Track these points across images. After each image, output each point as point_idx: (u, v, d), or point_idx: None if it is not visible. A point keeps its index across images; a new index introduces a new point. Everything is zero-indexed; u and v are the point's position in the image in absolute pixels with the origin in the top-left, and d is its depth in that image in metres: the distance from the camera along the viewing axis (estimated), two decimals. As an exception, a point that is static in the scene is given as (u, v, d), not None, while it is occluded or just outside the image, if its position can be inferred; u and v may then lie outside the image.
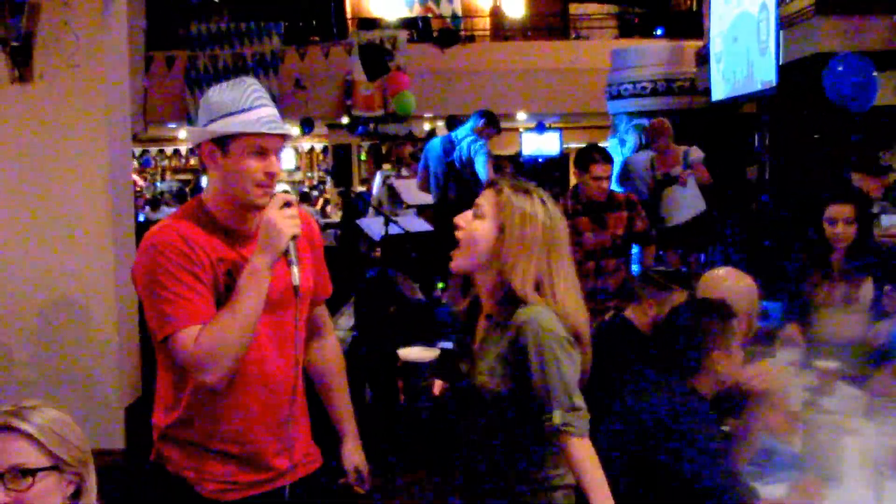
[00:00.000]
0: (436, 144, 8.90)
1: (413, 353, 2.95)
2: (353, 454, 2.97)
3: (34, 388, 5.63)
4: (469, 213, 2.66)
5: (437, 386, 2.87)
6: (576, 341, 2.57)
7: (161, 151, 22.70)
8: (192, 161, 22.44)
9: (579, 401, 2.50)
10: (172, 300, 2.49)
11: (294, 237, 2.52)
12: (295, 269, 2.53)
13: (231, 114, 2.55)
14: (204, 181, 14.50)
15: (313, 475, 2.82)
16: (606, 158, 5.80)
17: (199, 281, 2.51)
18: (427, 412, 2.90)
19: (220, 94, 2.59)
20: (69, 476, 2.06)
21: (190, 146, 21.57)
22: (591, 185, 5.75)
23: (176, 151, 22.76)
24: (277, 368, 2.63)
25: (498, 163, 9.56)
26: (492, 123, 8.66)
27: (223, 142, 2.55)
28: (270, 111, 2.57)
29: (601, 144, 7.90)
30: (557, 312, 2.56)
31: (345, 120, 18.90)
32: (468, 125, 8.72)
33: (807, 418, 3.42)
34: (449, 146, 8.69)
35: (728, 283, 3.58)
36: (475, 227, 2.62)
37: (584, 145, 6.55)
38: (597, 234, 5.77)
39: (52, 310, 6.02)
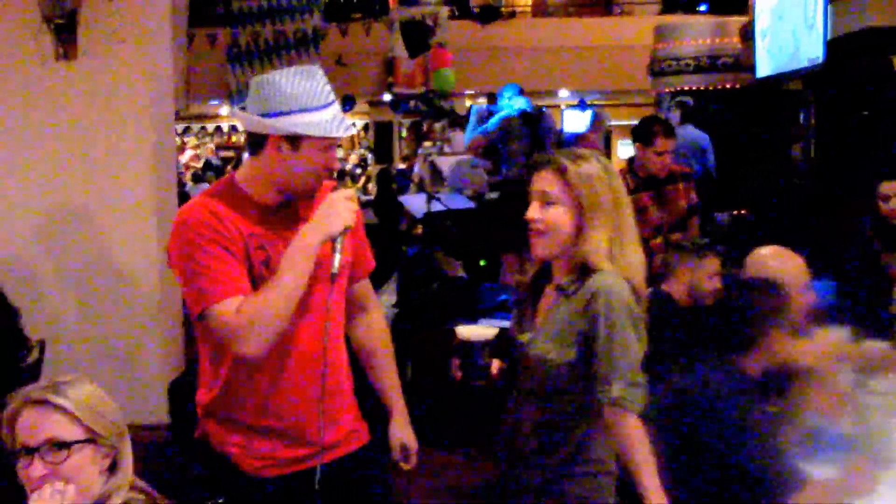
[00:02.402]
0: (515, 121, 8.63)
1: (471, 331, 2.92)
2: (401, 431, 2.95)
3: (79, 364, 5.67)
4: (536, 205, 2.61)
5: (496, 366, 2.84)
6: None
7: (203, 128, 22.80)
8: (234, 138, 22.52)
9: (641, 378, 2.49)
10: (207, 274, 2.51)
11: (347, 228, 2.54)
12: (337, 257, 2.54)
13: (306, 110, 2.53)
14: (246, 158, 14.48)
15: (357, 452, 2.81)
16: (669, 132, 5.62)
17: (231, 255, 2.53)
18: (480, 390, 2.88)
19: (291, 86, 2.55)
20: (104, 449, 2.09)
21: (239, 126, 21.69)
22: (652, 160, 5.55)
23: (218, 128, 22.85)
24: (315, 345, 2.62)
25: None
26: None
27: (296, 139, 2.55)
28: (338, 106, 2.60)
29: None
30: (627, 275, 2.53)
31: (386, 97, 18.87)
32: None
33: (857, 399, 3.36)
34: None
35: (778, 262, 3.52)
36: (551, 215, 2.58)
37: (626, 122, 6.43)
38: (660, 209, 5.60)
39: (97, 287, 6.08)
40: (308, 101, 2.54)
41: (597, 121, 8.86)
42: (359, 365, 2.96)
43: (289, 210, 2.65)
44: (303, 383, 2.64)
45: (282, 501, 2.65)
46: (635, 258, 2.60)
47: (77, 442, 2.05)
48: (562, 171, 2.57)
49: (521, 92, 8.66)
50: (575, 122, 19.98)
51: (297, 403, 2.64)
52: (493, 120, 8.53)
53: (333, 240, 2.53)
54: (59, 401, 2.05)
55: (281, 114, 2.53)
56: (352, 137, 23.81)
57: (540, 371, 2.62)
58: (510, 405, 2.74)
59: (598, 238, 2.54)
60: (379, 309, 3.03)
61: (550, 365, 2.59)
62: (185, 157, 19.62)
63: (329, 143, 2.57)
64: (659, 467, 2.51)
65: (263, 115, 2.55)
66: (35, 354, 4.84)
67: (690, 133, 9.81)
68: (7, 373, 4.50)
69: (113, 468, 2.12)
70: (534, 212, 2.61)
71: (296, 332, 2.60)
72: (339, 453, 2.74)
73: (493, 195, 9.11)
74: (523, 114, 8.35)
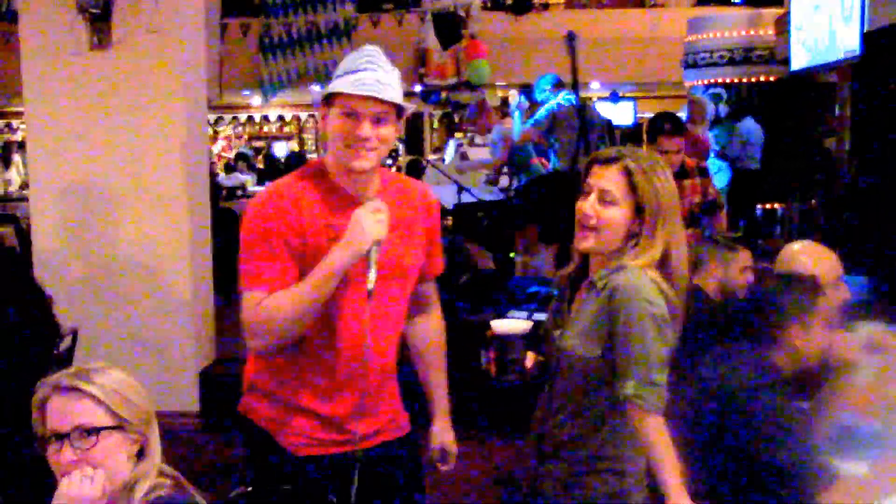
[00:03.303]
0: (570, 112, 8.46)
1: (506, 325, 2.91)
2: (443, 433, 2.96)
3: (111, 353, 5.72)
4: (594, 200, 2.57)
5: (530, 359, 2.84)
6: (676, 308, 2.53)
7: (235, 118, 22.88)
8: (266, 128, 22.58)
9: (659, 377, 2.45)
10: (256, 259, 2.55)
11: (378, 241, 2.52)
12: (371, 274, 2.54)
13: (339, 76, 2.56)
14: (276, 149, 14.62)
15: (395, 441, 2.82)
16: (677, 129, 5.57)
17: (288, 249, 2.55)
18: (513, 384, 2.87)
19: (342, 61, 2.60)
20: (133, 435, 2.11)
21: (271, 116, 21.75)
22: (674, 155, 5.52)
23: (250, 118, 22.92)
24: (363, 339, 2.62)
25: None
26: (562, 87, 8.37)
27: (329, 101, 2.58)
28: (376, 75, 2.54)
29: (678, 115, 7.73)
30: (669, 276, 2.52)
31: (417, 88, 18.85)
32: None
33: (889, 395, 3.32)
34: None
35: (809, 257, 3.49)
36: (610, 214, 2.55)
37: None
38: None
39: (128, 276, 6.12)
40: (343, 69, 2.57)
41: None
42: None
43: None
44: (352, 375, 2.66)
45: (316, 481, 2.66)
46: (681, 260, 2.58)
47: (105, 428, 2.07)
48: (628, 173, 2.54)
49: (559, 83, 8.53)
50: (607, 114, 19.92)
51: (340, 392, 2.66)
52: (543, 112, 8.40)
53: (366, 256, 2.52)
54: (88, 388, 2.08)
55: (331, 82, 2.59)
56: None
57: (569, 366, 2.61)
58: (542, 398, 2.74)
59: (661, 240, 2.53)
60: (438, 310, 3.02)
61: (578, 360, 2.58)
62: (217, 147, 19.70)
63: (351, 109, 2.53)
64: (686, 461, 2.50)
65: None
66: (67, 342, 4.88)
67: (747, 125, 9.73)
68: (40, 360, 4.53)
69: (141, 454, 2.14)
70: (590, 207, 2.57)
71: (352, 326, 2.61)
72: (376, 441, 2.76)
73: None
74: (579, 105, 8.18)
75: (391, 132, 2.60)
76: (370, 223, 2.50)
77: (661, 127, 5.53)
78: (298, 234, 2.56)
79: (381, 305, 2.64)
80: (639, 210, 2.54)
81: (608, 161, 2.59)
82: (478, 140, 10.88)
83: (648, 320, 2.45)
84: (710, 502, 2.52)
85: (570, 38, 7.66)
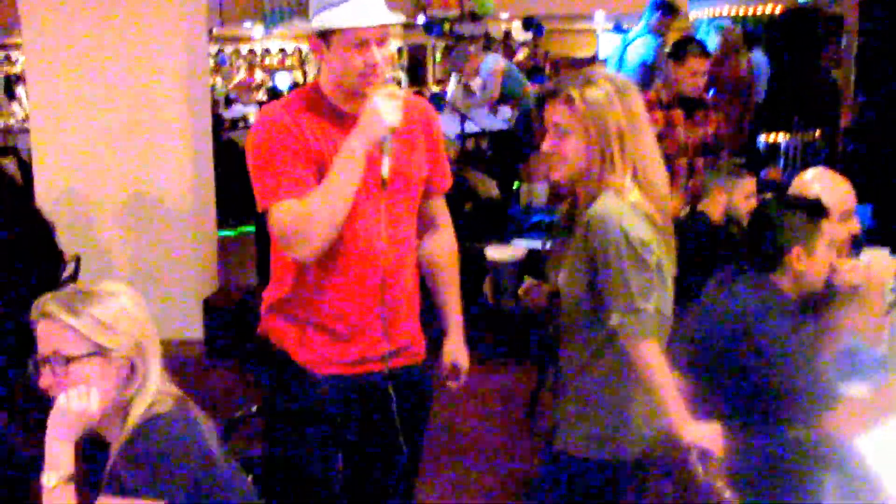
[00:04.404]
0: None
1: (500, 252, 2.89)
2: (455, 351, 2.94)
3: (115, 282, 5.73)
4: (549, 136, 2.56)
5: (524, 287, 2.83)
6: (661, 228, 2.50)
7: (237, 51, 22.70)
8: (267, 61, 22.41)
9: (643, 302, 2.42)
10: (273, 174, 2.54)
11: (393, 129, 2.50)
12: (386, 160, 2.53)
13: (332, 5, 2.52)
14: (278, 81, 14.46)
15: (411, 367, 2.82)
16: (705, 53, 5.45)
17: (301, 159, 2.54)
18: (510, 310, 2.87)
19: None
20: (119, 362, 2.10)
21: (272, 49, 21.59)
22: (685, 80, 5.37)
23: (251, 51, 22.74)
24: (382, 253, 2.63)
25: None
26: (670, 11, 7.92)
27: (326, 36, 2.54)
28: (374, 0, 2.53)
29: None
30: (647, 194, 2.49)
31: (420, 19, 18.67)
32: (642, 24, 8.09)
33: (894, 320, 3.33)
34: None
35: (821, 183, 3.46)
36: (566, 146, 2.52)
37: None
38: (689, 129, 5.42)
39: (131, 205, 6.12)
40: None
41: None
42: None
43: None
44: (369, 291, 2.65)
45: (334, 400, 2.68)
46: (657, 179, 2.54)
47: (83, 356, 2.09)
48: (568, 101, 2.51)
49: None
50: (611, 47, 19.73)
51: (358, 309, 2.66)
52: (650, 49, 7.88)
53: (380, 143, 2.51)
54: (65, 317, 2.09)
55: (316, 14, 2.55)
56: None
57: (564, 302, 2.61)
58: (550, 335, 2.73)
59: (621, 163, 2.48)
60: (450, 228, 2.99)
61: (569, 295, 2.58)
62: (241, 75, 19.42)
63: (359, 39, 2.51)
64: (691, 385, 2.50)
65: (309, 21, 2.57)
66: (71, 269, 4.90)
67: (753, 58, 9.58)
68: (43, 286, 4.54)
69: (131, 378, 2.14)
70: (546, 144, 2.57)
71: (367, 240, 2.61)
72: (396, 364, 2.75)
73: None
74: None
75: (392, 47, 2.59)
76: (385, 109, 2.48)
77: (691, 48, 5.39)
78: (304, 149, 2.56)
79: (390, 216, 2.63)
80: (591, 135, 2.49)
81: (553, 94, 2.56)
82: (471, 85, 10.73)
83: (625, 246, 2.42)
84: (712, 419, 2.52)
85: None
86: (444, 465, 4.51)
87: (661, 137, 5.17)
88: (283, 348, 2.71)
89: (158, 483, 2.02)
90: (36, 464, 2.11)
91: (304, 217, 2.49)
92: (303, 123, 2.58)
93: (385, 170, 2.53)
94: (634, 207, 2.47)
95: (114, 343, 2.10)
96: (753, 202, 4.00)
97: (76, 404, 2.07)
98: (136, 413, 2.09)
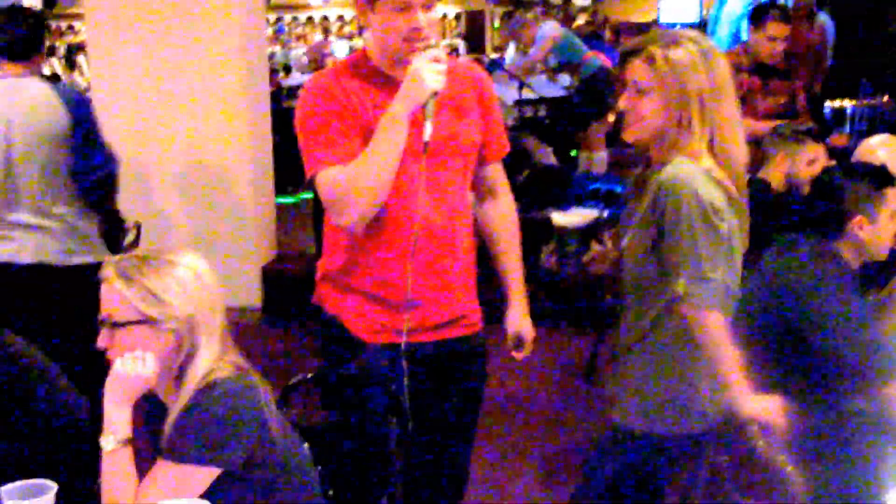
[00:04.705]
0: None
1: (566, 217, 2.84)
2: (518, 320, 2.92)
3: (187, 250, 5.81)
4: (627, 94, 2.50)
5: (588, 254, 2.79)
6: (734, 197, 2.44)
7: (295, 19, 22.76)
8: (326, 27, 22.44)
9: (712, 272, 2.36)
10: (320, 141, 2.55)
11: (435, 93, 2.48)
12: (428, 125, 2.49)
13: None
14: (336, 48, 14.43)
15: (466, 338, 2.81)
16: (786, 18, 5.29)
17: (347, 126, 2.55)
18: (573, 277, 2.83)
19: None
20: (165, 333, 2.12)
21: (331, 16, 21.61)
22: (762, 45, 5.25)
23: (309, 18, 22.78)
24: (433, 220, 2.62)
25: None
26: None
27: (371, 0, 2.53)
28: None
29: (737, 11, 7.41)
30: (722, 162, 2.43)
31: (478, -15, 18.58)
32: None
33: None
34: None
35: (887, 150, 3.38)
36: (643, 105, 2.47)
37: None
38: (765, 97, 5.31)
39: (190, 173, 6.18)
40: None
41: None
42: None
43: None
44: (423, 259, 2.63)
45: (387, 368, 2.68)
46: (735, 149, 2.47)
47: (130, 323, 2.11)
48: (648, 59, 2.45)
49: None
50: (673, 11, 19.44)
51: (401, 276, 2.63)
52: (745, 8, 7.67)
53: (422, 107, 2.48)
54: (117, 283, 2.12)
55: None
56: (443, 26, 23.58)
57: (628, 266, 2.57)
58: (617, 297, 2.69)
59: (700, 126, 2.42)
60: (508, 195, 2.96)
61: (632, 258, 2.54)
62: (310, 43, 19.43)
63: (402, 2, 2.48)
64: (750, 355, 2.46)
65: None
66: (132, 237, 4.95)
67: (819, 21, 9.35)
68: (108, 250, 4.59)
69: (178, 351, 2.16)
70: (624, 100, 2.52)
71: (417, 207, 2.58)
72: (443, 335, 2.75)
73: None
74: None
75: (439, 12, 2.58)
76: (428, 73, 2.46)
77: (770, 13, 5.25)
78: (351, 116, 2.55)
79: (438, 182, 2.61)
80: (671, 96, 2.43)
81: (635, 51, 2.50)
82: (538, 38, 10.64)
83: (696, 211, 2.36)
84: (770, 390, 2.48)
85: None
86: (499, 432, 4.51)
87: (742, 101, 5.08)
88: (336, 317, 2.73)
89: (214, 452, 2.05)
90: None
91: (348, 183, 2.49)
92: (349, 90, 2.58)
93: (427, 134, 2.49)
94: (708, 173, 2.41)
95: (161, 314, 2.11)
96: (817, 168, 3.93)
97: (131, 369, 2.10)
98: (191, 382, 2.11)
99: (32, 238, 3.94)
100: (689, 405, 2.52)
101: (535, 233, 5.83)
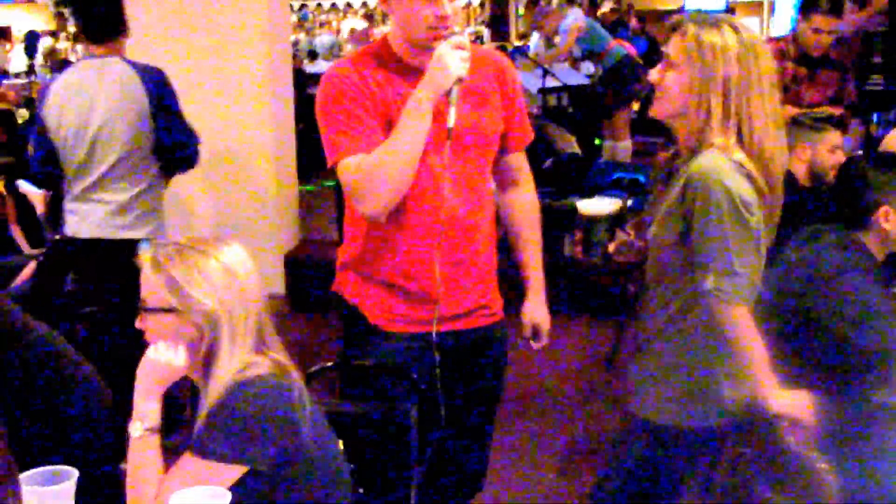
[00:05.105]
0: None
1: (593, 205, 2.82)
2: (535, 310, 2.91)
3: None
4: (659, 66, 2.47)
5: (614, 243, 2.77)
6: (765, 192, 2.38)
7: (319, 6, 22.76)
8: (348, 15, 22.41)
9: (741, 266, 2.33)
10: (342, 129, 2.53)
11: (460, 79, 2.46)
12: (452, 111, 2.48)
13: None
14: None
15: (487, 328, 2.81)
16: (834, 11, 5.12)
17: (369, 114, 2.54)
18: (598, 266, 2.81)
19: None
20: (188, 324, 2.11)
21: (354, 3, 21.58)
22: (808, 36, 5.10)
23: (333, 5, 22.77)
24: (455, 209, 2.62)
25: None
26: None
27: None
28: None
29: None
30: (753, 157, 2.37)
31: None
32: None
33: None
34: None
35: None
36: (669, 77, 2.43)
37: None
38: (810, 88, 5.18)
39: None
40: None
41: None
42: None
43: None
44: (441, 248, 2.61)
45: (404, 357, 2.68)
46: (769, 143, 2.40)
47: (158, 310, 2.11)
48: (683, 34, 2.41)
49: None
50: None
51: (430, 267, 2.63)
52: None
53: (447, 94, 2.47)
54: (148, 269, 2.12)
55: None
56: (467, 13, 23.52)
57: (652, 254, 2.54)
58: (642, 288, 2.66)
59: (724, 112, 2.36)
60: (530, 185, 2.95)
61: (658, 247, 2.50)
62: (348, 25, 19.45)
63: None
64: (773, 346, 2.43)
65: None
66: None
67: None
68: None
69: (200, 344, 2.14)
70: (655, 73, 2.49)
71: (439, 196, 2.57)
72: (464, 325, 2.75)
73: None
74: None
75: (461, 0, 2.57)
76: (452, 60, 2.44)
77: (818, 3, 5.08)
78: (372, 103, 2.55)
79: (460, 171, 2.60)
80: (696, 76, 2.38)
81: (675, 26, 2.46)
82: (553, 41, 10.60)
83: (727, 205, 2.31)
84: (796, 384, 2.46)
85: None
86: (519, 423, 4.51)
87: (784, 90, 5.00)
88: (356, 305, 2.72)
89: (240, 450, 2.03)
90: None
91: (371, 171, 2.47)
92: (370, 78, 2.57)
93: (451, 121, 2.48)
94: (738, 165, 2.36)
95: (183, 305, 2.10)
96: (840, 156, 3.88)
97: (163, 357, 2.10)
98: (217, 377, 2.09)
99: (102, 210, 4.18)
100: (710, 398, 2.49)
101: (557, 221, 5.81)
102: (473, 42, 2.69)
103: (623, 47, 8.92)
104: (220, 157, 6.16)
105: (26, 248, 5.56)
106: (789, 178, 3.85)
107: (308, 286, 6.23)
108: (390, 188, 2.49)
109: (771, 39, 5.53)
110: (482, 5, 21.68)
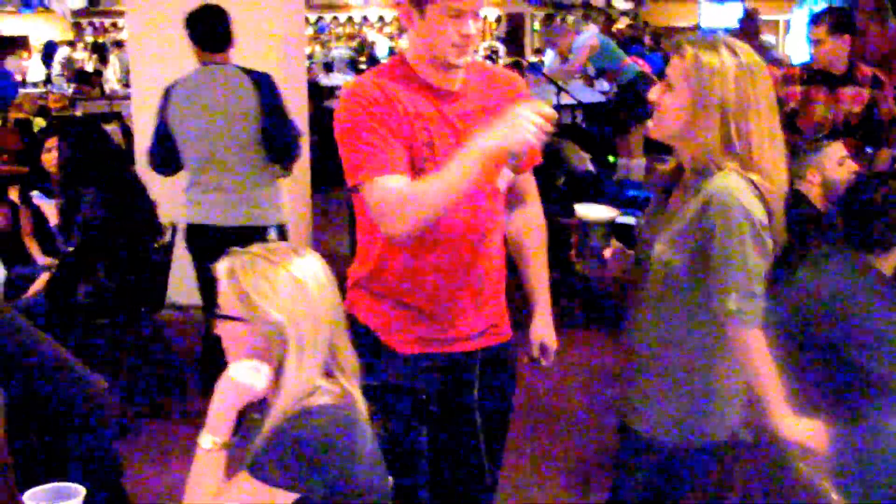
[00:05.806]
0: None
1: (590, 210, 2.79)
2: (542, 329, 2.90)
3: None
4: (659, 87, 2.47)
5: (609, 249, 2.74)
6: (773, 213, 2.36)
7: (335, 18, 22.84)
8: (365, 29, 22.51)
9: (759, 288, 2.32)
10: (365, 149, 2.50)
11: (527, 146, 2.39)
12: (505, 172, 2.52)
13: None
14: (376, 49, 14.43)
15: (497, 347, 2.79)
16: (838, 26, 5.02)
17: (392, 133, 2.51)
18: (592, 274, 2.78)
19: None
20: (255, 333, 2.07)
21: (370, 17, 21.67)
22: (814, 50, 5.09)
23: (349, 18, 22.85)
24: (469, 231, 2.61)
25: None
26: None
27: (421, 4, 2.50)
28: None
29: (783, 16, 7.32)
30: (754, 178, 2.35)
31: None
32: None
33: None
34: None
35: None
36: (667, 99, 2.42)
37: (773, 17, 5.98)
38: (827, 106, 5.06)
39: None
40: None
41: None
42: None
43: (459, 96, 2.61)
44: (457, 270, 2.63)
45: (418, 378, 2.66)
46: (771, 168, 2.38)
47: (228, 318, 2.08)
48: (682, 56, 2.40)
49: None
50: (714, 16, 19.33)
51: (444, 287, 2.63)
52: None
53: (511, 158, 2.44)
54: (221, 275, 2.09)
55: None
56: (483, 28, 23.56)
57: (656, 271, 2.50)
58: (634, 305, 2.64)
59: (723, 134, 2.34)
60: (537, 204, 2.94)
61: (665, 266, 2.46)
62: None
63: (457, 10, 2.46)
64: (783, 369, 2.41)
65: None
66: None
67: None
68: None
69: (266, 359, 2.11)
70: (654, 93, 2.48)
71: (455, 218, 2.56)
72: (475, 346, 2.73)
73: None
74: None
75: (482, 17, 2.56)
76: (527, 129, 2.35)
77: (818, 17, 5.11)
78: (396, 122, 2.53)
79: (473, 192, 2.55)
80: (693, 97, 2.37)
81: (676, 47, 2.46)
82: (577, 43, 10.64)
83: (748, 228, 2.30)
84: (807, 410, 2.43)
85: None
86: (526, 438, 4.49)
87: (796, 114, 5.00)
88: (368, 325, 2.70)
89: (296, 478, 1.99)
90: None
91: (411, 198, 2.44)
92: (392, 96, 2.55)
93: (502, 185, 2.55)
94: (754, 186, 2.34)
95: (249, 315, 2.06)
96: (851, 165, 3.84)
97: (245, 377, 2.05)
98: (285, 395, 2.05)
99: (222, 201, 4.71)
100: (713, 415, 2.48)
101: (568, 237, 5.77)
102: (489, 57, 2.70)
103: (637, 65, 8.91)
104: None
105: (40, 259, 5.57)
106: (804, 200, 3.83)
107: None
108: (424, 218, 2.45)
109: (790, 67, 5.52)
110: (498, 20, 21.76)
